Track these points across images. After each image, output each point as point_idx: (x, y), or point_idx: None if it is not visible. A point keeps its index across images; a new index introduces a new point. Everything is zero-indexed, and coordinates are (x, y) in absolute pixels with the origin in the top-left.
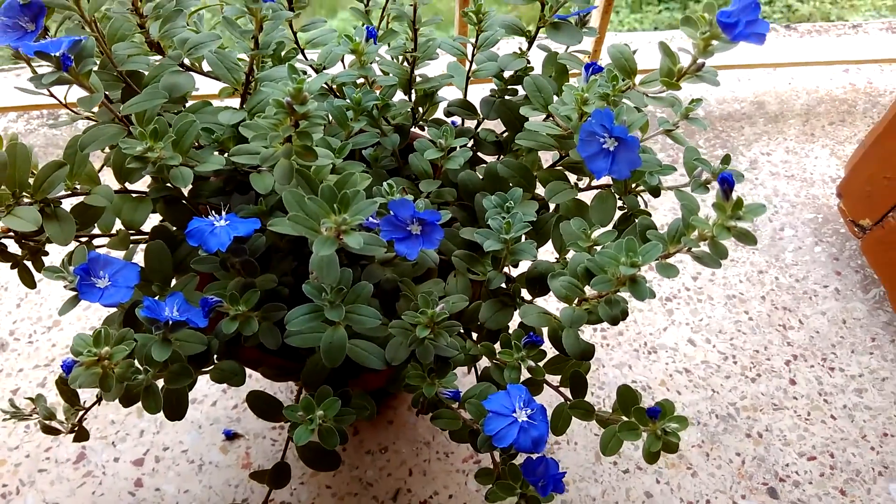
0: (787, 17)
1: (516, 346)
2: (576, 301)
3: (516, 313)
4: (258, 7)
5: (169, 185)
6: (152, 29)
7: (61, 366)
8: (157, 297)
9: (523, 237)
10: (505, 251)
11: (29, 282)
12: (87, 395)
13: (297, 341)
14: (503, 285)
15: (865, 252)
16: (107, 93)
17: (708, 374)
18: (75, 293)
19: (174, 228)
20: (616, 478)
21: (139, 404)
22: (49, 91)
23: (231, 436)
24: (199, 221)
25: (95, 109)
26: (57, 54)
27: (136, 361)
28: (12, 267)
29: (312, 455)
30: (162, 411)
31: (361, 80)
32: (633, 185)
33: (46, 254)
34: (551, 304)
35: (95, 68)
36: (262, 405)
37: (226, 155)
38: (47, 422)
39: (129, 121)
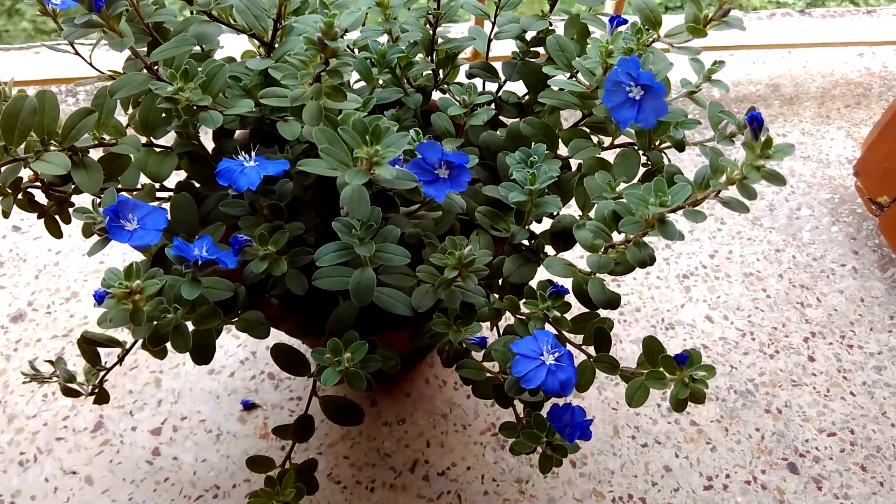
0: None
1: (541, 296)
2: (602, 249)
3: (539, 269)
4: None
5: (194, 141)
6: None
7: (93, 295)
8: None
9: (547, 192)
10: (529, 204)
11: (55, 231)
12: (107, 357)
13: (325, 284)
14: (526, 242)
15: (883, 230)
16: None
17: (726, 351)
18: (104, 236)
19: (198, 185)
20: (635, 451)
21: (158, 373)
22: (74, 49)
23: (249, 406)
24: (228, 162)
25: (120, 68)
26: None
27: (165, 302)
28: (39, 217)
29: (335, 409)
30: (190, 355)
31: (385, 38)
32: (657, 142)
33: (73, 205)
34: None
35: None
36: (285, 357)
37: (254, 103)
38: (68, 384)
39: (157, 73)
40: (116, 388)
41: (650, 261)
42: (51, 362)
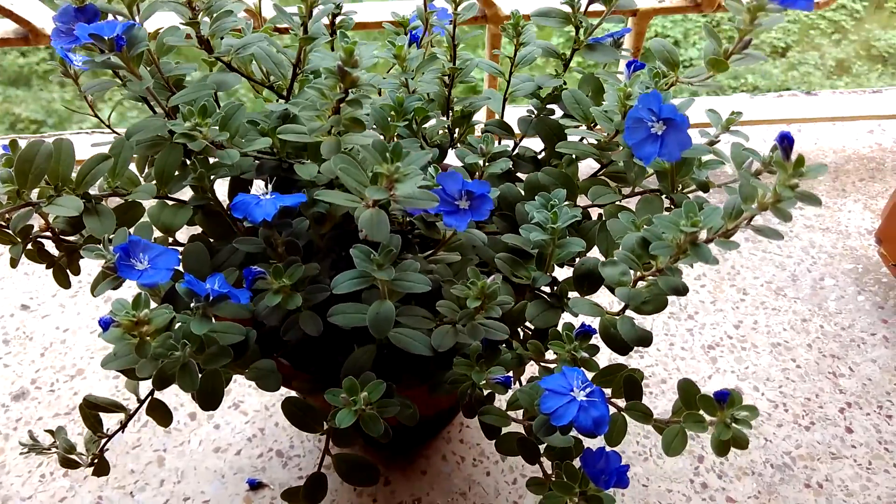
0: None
1: (568, 336)
2: (631, 283)
3: (563, 315)
4: None
5: (209, 195)
6: (203, 27)
7: (99, 322)
8: None
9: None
10: (551, 245)
11: (63, 282)
12: (109, 422)
13: (341, 320)
14: (548, 289)
15: None
16: (153, 90)
17: (759, 423)
18: (113, 274)
19: (212, 241)
20: None
21: (162, 451)
22: (93, 110)
23: (255, 485)
24: (244, 196)
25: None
26: (110, 37)
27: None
28: (48, 267)
29: (349, 468)
30: (195, 398)
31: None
32: (680, 186)
33: (82, 257)
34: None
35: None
36: (296, 412)
37: (272, 144)
38: (67, 455)
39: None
40: (117, 468)
41: (683, 290)
42: (50, 432)
